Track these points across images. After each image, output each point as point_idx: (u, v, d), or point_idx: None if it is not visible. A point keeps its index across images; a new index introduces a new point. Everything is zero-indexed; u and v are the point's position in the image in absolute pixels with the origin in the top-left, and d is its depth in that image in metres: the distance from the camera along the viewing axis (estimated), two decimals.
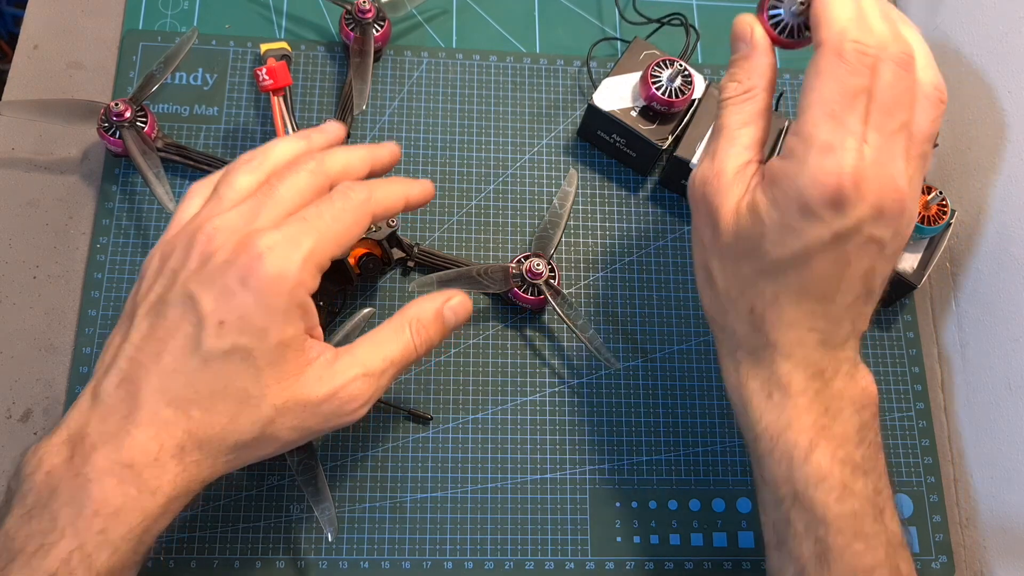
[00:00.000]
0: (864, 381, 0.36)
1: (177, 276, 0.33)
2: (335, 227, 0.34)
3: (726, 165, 0.35)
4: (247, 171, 0.36)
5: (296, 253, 0.32)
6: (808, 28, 0.35)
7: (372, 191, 0.36)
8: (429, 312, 0.37)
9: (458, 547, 0.46)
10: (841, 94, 0.31)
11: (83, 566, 0.30)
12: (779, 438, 0.35)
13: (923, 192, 0.49)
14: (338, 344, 0.46)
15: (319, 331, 0.35)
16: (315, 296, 0.46)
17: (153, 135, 0.49)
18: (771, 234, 0.33)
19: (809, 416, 0.35)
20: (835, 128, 0.31)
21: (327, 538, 0.44)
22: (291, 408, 0.33)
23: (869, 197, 0.31)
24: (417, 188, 0.39)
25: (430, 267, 0.49)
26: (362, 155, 0.38)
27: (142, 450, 0.31)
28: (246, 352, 0.32)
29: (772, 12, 0.36)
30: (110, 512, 0.30)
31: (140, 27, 0.54)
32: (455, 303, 0.38)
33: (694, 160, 0.49)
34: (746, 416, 0.36)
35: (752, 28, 0.36)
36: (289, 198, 0.34)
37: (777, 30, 0.36)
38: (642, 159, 0.52)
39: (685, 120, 0.50)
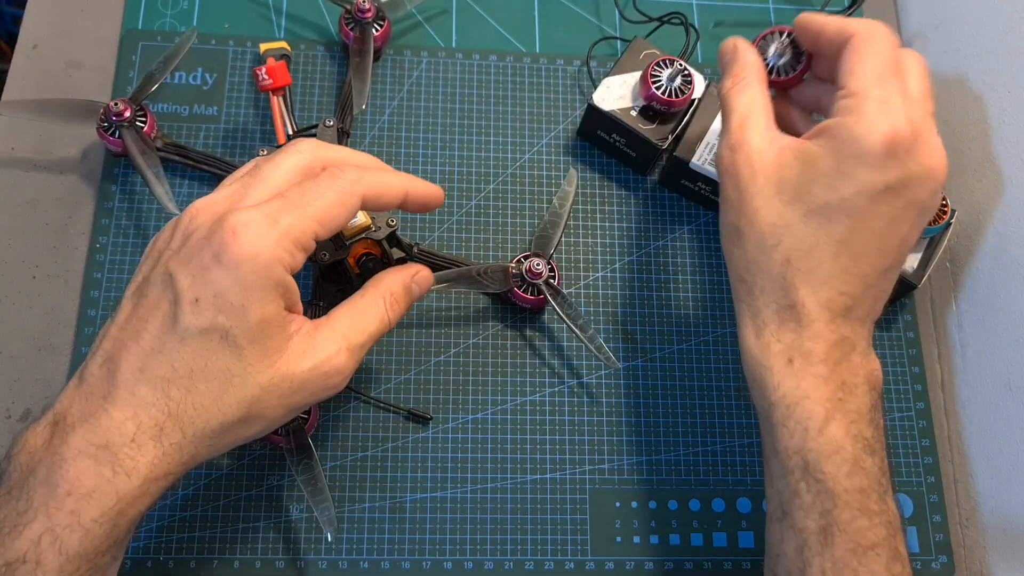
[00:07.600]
0: (876, 363, 0.37)
1: (161, 256, 0.33)
2: (317, 204, 0.33)
3: (752, 136, 0.37)
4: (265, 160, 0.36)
5: (273, 230, 0.32)
6: (795, 66, 0.40)
7: (363, 174, 0.35)
8: (399, 285, 0.39)
9: (458, 547, 0.46)
10: (883, 66, 0.35)
11: (53, 548, 0.29)
12: (795, 407, 0.35)
13: None
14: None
15: (299, 307, 0.35)
16: (315, 296, 0.46)
17: (152, 135, 0.49)
18: (823, 178, 0.34)
19: (827, 388, 0.35)
20: (885, 88, 0.34)
21: (327, 538, 0.45)
22: (277, 385, 0.33)
23: (920, 154, 0.34)
24: (421, 187, 0.38)
25: (430, 267, 0.49)
26: (370, 158, 0.38)
27: (118, 430, 0.31)
28: (224, 330, 0.31)
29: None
30: (83, 493, 0.30)
31: (139, 27, 0.54)
32: (420, 277, 0.40)
33: (694, 160, 0.49)
34: (763, 383, 0.36)
35: (734, 42, 0.40)
36: (276, 178, 0.34)
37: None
38: (642, 159, 0.52)
39: (685, 120, 0.50)
